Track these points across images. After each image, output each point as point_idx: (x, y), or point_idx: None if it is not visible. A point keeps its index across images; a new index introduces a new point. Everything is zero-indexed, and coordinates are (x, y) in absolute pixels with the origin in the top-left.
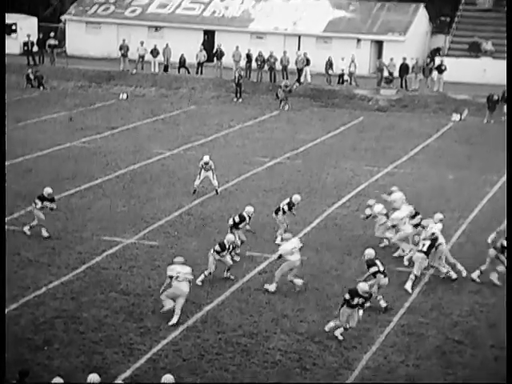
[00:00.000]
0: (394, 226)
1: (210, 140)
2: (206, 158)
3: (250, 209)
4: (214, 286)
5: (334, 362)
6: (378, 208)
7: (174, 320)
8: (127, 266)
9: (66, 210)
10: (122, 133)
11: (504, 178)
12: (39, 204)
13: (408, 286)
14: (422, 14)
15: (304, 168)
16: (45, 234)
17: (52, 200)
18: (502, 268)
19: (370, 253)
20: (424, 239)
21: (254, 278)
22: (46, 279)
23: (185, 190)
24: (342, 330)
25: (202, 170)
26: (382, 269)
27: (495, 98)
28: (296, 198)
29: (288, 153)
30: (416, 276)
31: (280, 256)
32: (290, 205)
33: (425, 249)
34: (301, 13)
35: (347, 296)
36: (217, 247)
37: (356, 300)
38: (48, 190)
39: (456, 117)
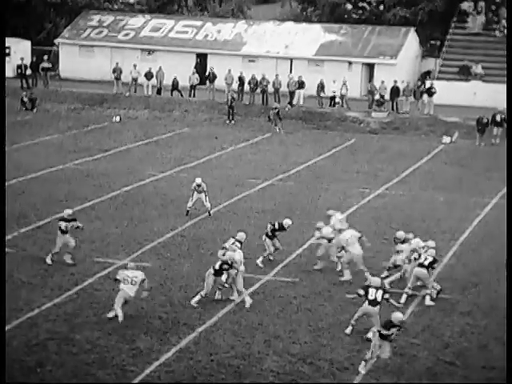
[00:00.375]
0: (343, 248)
1: (202, 162)
2: (199, 180)
3: (242, 234)
4: (206, 308)
5: None
6: (327, 231)
7: (112, 314)
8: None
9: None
10: (115, 155)
11: (494, 201)
12: (63, 225)
13: (427, 301)
14: (412, 38)
15: (296, 190)
16: (69, 261)
17: (74, 220)
18: None
19: (373, 280)
20: (425, 253)
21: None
22: (38, 301)
23: (177, 212)
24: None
25: (195, 192)
26: (371, 297)
27: (485, 120)
28: (286, 222)
29: (280, 175)
30: (431, 290)
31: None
32: (279, 227)
33: (426, 263)
34: (293, 36)
35: (383, 331)
36: (224, 266)
37: (391, 330)
38: (68, 211)
39: (446, 139)
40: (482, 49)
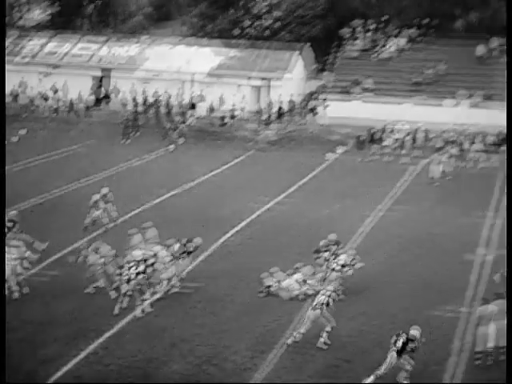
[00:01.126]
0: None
1: (98, 180)
2: (105, 190)
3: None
4: (114, 313)
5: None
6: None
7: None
8: (29, 296)
9: None
10: (15, 173)
11: (379, 207)
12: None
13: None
14: (297, 61)
15: (194, 203)
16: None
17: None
18: None
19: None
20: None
21: (152, 304)
22: None
23: (81, 224)
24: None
25: (101, 203)
26: (314, 302)
27: (362, 138)
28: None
29: (173, 191)
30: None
31: None
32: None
33: (338, 267)
34: (186, 57)
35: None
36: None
37: (410, 345)
38: (14, 212)
39: (331, 156)
40: (361, 70)
